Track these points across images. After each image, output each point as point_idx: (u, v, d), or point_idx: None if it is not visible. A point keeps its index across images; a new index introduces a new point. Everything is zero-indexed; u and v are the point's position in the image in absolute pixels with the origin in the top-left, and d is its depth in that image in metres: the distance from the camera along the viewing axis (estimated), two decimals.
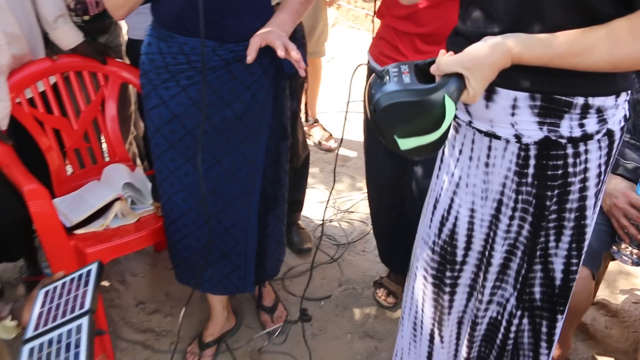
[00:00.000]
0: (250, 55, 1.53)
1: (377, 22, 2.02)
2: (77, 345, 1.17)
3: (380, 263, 2.49)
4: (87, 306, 1.25)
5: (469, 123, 1.31)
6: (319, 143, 3.49)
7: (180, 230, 1.89)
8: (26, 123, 2.15)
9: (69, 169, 2.35)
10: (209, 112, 1.71)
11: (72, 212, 2.02)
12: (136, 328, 2.32)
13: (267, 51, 1.61)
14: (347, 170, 3.32)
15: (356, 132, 3.51)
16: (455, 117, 1.34)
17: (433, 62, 1.16)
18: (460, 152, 1.37)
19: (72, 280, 1.35)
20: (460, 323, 1.56)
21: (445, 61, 1.13)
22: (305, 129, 3.26)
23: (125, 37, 2.53)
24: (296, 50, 1.53)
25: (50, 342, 1.21)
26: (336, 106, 3.90)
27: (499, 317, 1.49)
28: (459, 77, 1.11)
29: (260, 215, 1.92)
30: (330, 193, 1.78)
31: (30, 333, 1.27)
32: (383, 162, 2.14)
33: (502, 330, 1.50)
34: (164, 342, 2.23)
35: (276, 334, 2.26)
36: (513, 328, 1.48)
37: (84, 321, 1.21)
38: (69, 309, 1.27)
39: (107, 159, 2.39)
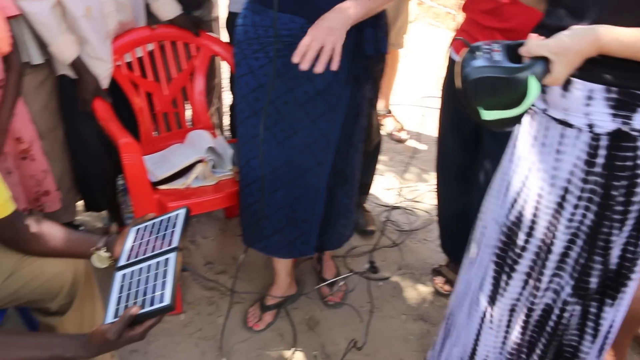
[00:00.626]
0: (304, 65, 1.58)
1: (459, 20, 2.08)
2: (164, 276, 1.30)
3: (440, 253, 2.56)
4: (174, 244, 1.38)
5: (544, 111, 1.37)
6: (391, 133, 3.57)
7: (253, 194, 2.01)
8: (123, 84, 2.33)
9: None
10: (291, 85, 1.82)
11: (157, 169, 2.18)
12: (203, 285, 2.47)
13: (349, 32, 1.72)
14: (416, 162, 3.39)
15: (428, 127, 3.58)
16: (532, 104, 1.40)
17: (522, 44, 1.24)
18: (535, 138, 1.43)
19: (161, 221, 1.49)
20: (512, 310, 1.60)
21: (535, 44, 1.21)
22: (378, 118, 3.34)
23: (219, 12, 2.68)
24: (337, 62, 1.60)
25: (140, 270, 1.35)
26: (409, 100, 3.97)
27: (552, 304, 1.53)
28: (546, 61, 1.19)
29: (329, 188, 2.02)
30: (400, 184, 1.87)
31: (122, 262, 1.42)
32: (455, 153, 2.21)
33: (554, 317, 1.54)
34: (227, 301, 2.37)
35: (341, 284, 2.40)
36: (566, 315, 1.52)
37: (172, 256, 1.35)
38: (157, 245, 1.40)
39: (190, 125, 2.56)
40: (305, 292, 2.44)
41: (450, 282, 2.47)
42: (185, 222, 1.46)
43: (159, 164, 2.22)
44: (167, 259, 1.34)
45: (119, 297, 1.32)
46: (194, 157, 2.19)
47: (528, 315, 1.57)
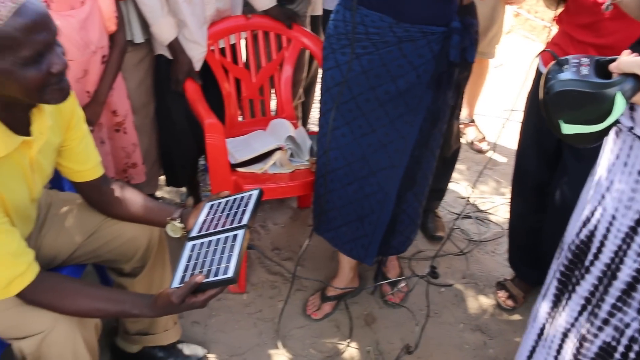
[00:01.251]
0: None
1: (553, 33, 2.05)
2: (231, 250, 1.37)
3: (507, 267, 2.52)
4: (244, 221, 1.44)
5: (630, 129, 1.33)
6: (471, 143, 3.53)
7: (327, 185, 2.06)
8: (215, 69, 2.43)
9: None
10: (374, 83, 1.85)
11: (237, 152, 2.27)
12: (268, 269, 2.55)
13: (438, 37, 1.73)
14: (493, 173, 3.34)
15: (510, 140, 3.51)
16: (618, 121, 1.36)
17: (613, 60, 1.21)
18: (617, 156, 1.38)
19: (234, 199, 1.56)
20: (565, 335, 1.54)
21: (627, 60, 1.17)
22: (461, 126, 3.32)
23: (317, 10, 2.75)
24: None
25: (209, 242, 1.43)
26: (494, 111, 3.91)
27: (615, 344, 1.43)
28: (636, 79, 1.16)
29: (399, 191, 2.03)
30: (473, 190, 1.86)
31: (194, 233, 1.49)
32: (533, 167, 2.18)
33: (617, 356, 1.44)
34: (289, 287, 2.43)
35: (402, 285, 2.42)
36: (632, 355, 1.41)
37: (240, 233, 1.41)
38: (229, 221, 1.47)
39: (274, 114, 2.64)
40: (366, 287, 2.47)
41: (514, 297, 2.44)
42: (257, 203, 1.52)
43: (240, 148, 2.31)
44: (235, 235, 1.41)
45: (187, 265, 1.39)
46: (274, 144, 2.26)
47: (580, 347, 1.48)
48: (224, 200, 1.58)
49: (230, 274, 1.30)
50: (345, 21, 1.83)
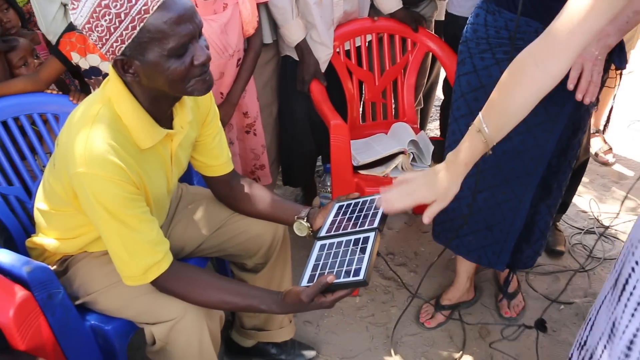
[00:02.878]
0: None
1: None
2: (362, 252, 1.32)
3: None
4: (375, 224, 1.40)
5: None
6: (596, 154, 3.32)
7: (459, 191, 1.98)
8: (339, 70, 2.41)
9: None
10: None
11: (359, 154, 2.24)
12: (382, 274, 2.50)
13: None
14: (619, 187, 3.12)
15: (638, 152, 3.28)
16: None
17: None
18: None
19: (364, 202, 1.52)
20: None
21: None
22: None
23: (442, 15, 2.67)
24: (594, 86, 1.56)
25: (339, 243, 1.39)
26: (622, 121, 3.65)
27: None
28: None
29: (533, 201, 1.92)
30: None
31: (323, 233, 1.47)
32: None
33: None
34: (403, 293, 2.37)
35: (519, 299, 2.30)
36: None
37: (371, 235, 1.36)
38: (359, 223, 1.43)
39: (395, 118, 2.58)
40: (482, 299, 2.36)
41: None
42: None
43: (362, 150, 2.27)
44: (366, 237, 1.37)
45: (315, 265, 1.37)
46: (396, 148, 2.21)
47: None
48: (353, 201, 1.55)
49: (361, 276, 1.26)
50: (487, 25, 1.74)
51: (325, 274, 1.31)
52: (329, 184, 2.45)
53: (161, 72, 1.25)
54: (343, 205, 1.55)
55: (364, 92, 2.50)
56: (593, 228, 2.81)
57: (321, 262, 1.37)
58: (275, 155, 2.60)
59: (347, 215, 1.49)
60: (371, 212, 1.46)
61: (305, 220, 1.60)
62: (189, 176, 1.95)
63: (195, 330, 1.45)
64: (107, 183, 1.26)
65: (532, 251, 2.05)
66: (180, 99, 1.42)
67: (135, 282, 1.38)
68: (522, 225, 1.95)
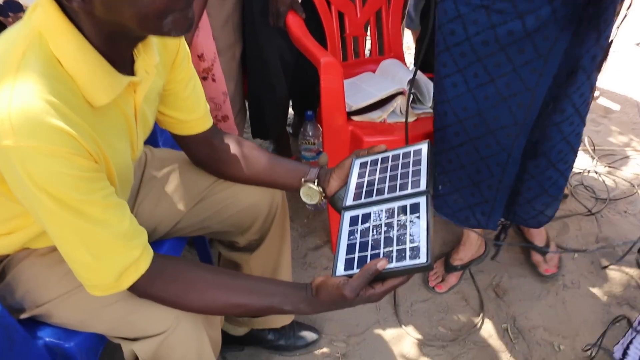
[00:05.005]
0: None
1: None
2: (414, 226, 0.96)
3: None
4: (423, 186, 1.03)
5: None
6: None
7: (436, 143, 1.64)
8: (316, 0, 1.99)
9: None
10: (495, 20, 1.37)
11: (349, 97, 1.84)
12: None
13: None
14: (609, 122, 2.86)
15: (619, 84, 3.02)
16: None
17: None
18: None
19: (396, 156, 1.15)
20: None
21: None
22: None
23: None
24: None
25: (377, 214, 1.02)
26: None
27: None
28: None
29: (527, 154, 1.59)
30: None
31: (350, 201, 1.09)
32: None
33: None
34: None
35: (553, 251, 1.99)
36: None
37: (422, 201, 1.00)
38: (397, 185, 1.07)
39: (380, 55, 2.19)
40: (492, 254, 2.07)
41: None
42: (430, 159, 1.11)
43: (350, 93, 1.87)
44: (415, 204, 1.00)
45: (350, 245, 0.99)
46: (394, 88, 1.83)
47: None
48: (378, 156, 1.17)
49: (422, 258, 0.90)
50: None
51: (368, 256, 0.95)
52: (311, 134, 2.05)
53: (131, 4, 0.82)
54: (366, 162, 1.17)
55: (345, 25, 2.08)
56: (592, 167, 2.55)
57: (357, 241, 1.00)
58: (240, 104, 2.17)
59: (377, 176, 1.11)
60: (410, 170, 1.09)
61: (315, 183, 1.21)
62: (153, 136, 1.52)
63: (192, 344, 1.05)
64: (49, 159, 0.82)
65: (531, 208, 1.74)
66: (145, 38, 0.99)
67: (106, 292, 0.96)
68: (515, 180, 1.63)
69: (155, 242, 1.35)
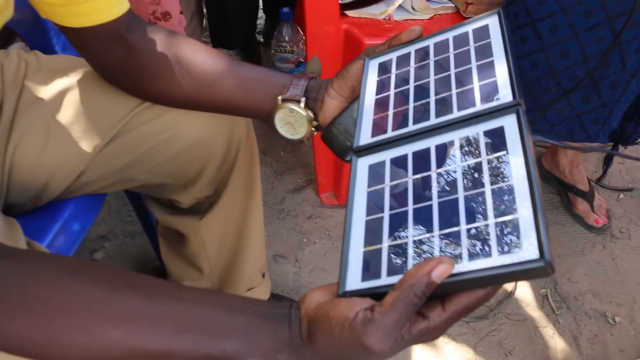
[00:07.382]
0: None
1: None
2: (505, 179, 0.46)
3: None
4: (504, 96, 0.52)
5: None
6: None
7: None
8: None
9: None
10: None
11: None
12: None
13: None
14: None
15: None
16: None
17: None
18: None
19: (440, 45, 0.62)
20: None
21: None
22: None
23: None
24: None
25: (417, 161, 0.52)
26: None
27: None
28: None
29: None
30: None
31: (364, 138, 0.58)
32: None
33: None
34: None
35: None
36: None
37: (507, 123, 0.50)
38: (452, 99, 0.55)
39: None
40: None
41: None
42: (510, 46, 0.59)
43: None
44: (497, 132, 0.49)
45: (370, 226, 0.49)
46: None
47: None
48: (410, 49, 0.65)
49: (529, 248, 0.40)
50: None
51: (410, 250, 0.46)
52: (288, 38, 1.49)
53: None
54: (389, 62, 0.65)
55: None
56: None
57: (386, 216, 0.49)
58: (195, 5, 1.62)
59: (412, 84, 0.59)
60: (474, 68, 0.57)
61: (302, 104, 0.70)
62: (45, 36, 0.97)
63: None
64: None
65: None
66: None
67: None
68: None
69: (51, 205, 0.84)
